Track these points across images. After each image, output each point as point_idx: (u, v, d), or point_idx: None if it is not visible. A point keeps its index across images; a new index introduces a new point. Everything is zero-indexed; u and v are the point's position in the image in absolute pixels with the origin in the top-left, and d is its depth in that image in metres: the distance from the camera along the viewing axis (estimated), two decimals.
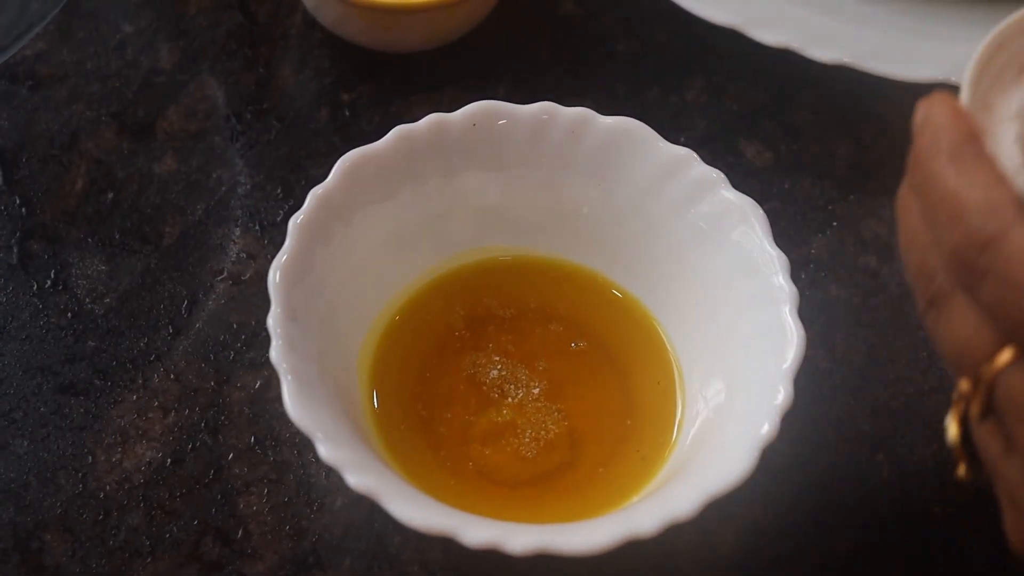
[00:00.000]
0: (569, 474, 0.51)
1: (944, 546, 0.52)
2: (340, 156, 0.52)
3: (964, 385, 0.39)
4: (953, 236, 0.37)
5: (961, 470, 0.40)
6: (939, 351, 0.40)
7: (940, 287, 0.39)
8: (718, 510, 0.46)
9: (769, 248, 0.51)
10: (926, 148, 0.39)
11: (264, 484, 0.53)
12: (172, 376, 0.55)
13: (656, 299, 0.54)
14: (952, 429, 0.40)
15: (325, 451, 0.45)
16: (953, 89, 0.59)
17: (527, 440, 0.52)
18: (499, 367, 0.53)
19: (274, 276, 0.49)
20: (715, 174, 0.52)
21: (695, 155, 0.52)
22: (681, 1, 0.60)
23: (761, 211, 0.51)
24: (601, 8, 0.65)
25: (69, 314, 0.57)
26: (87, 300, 0.57)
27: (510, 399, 0.52)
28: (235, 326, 0.56)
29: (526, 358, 0.53)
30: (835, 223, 0.59)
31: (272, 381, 0.54)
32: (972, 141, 0.38)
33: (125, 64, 0.63)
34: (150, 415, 0.54)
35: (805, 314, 0.49)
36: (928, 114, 0.40)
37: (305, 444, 0.53)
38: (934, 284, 0.39)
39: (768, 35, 0.60)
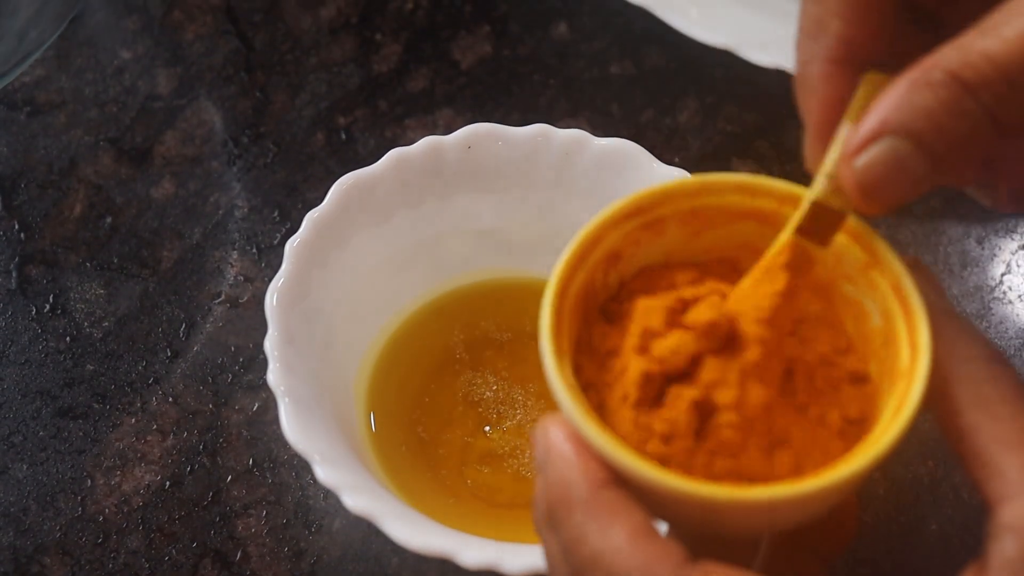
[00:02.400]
0: None
1: (939, 563, 0.52)
2: (336, 179, 0.52)
3: None
4: None
5: None
6: None
7: None
8: None
9: None
10: (558, 504, 0.35)
11: (262, 506, 0.53)
12: (170, 399, 0.55)
13: None
14: None
15: (322, 473, 0.45)
16: None
17: (525, 461, 0.52)
18: (496, 388, 0.53)
19: (271, 300, 0.49)
20: None
21: (689, 176, 0.53)
22: (675, 23, 0.61)
23: None
24: (595, 31, 0.65)
25: (68, 338, 0.57)
26: (86, 324, 0.57)
27: (507, 420, 0.52)
28: (233, 349, 0.56)
29: (522, 379, 0.54)
30: None
31: (270, 403, 0.55)
32: (604, 485, 0.35)
33: (123, 90, 0.63)
34: (149, 438, 0.54)
35: None
36: (549, 456, 0.36)
37: (303, 466, 0.53)
38: None
39: (761, 56, 0.60)
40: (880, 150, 0.35)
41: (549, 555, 0.37)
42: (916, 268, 0.37)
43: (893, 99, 0.34)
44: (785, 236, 0.37)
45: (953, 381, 0.35)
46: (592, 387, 0.37)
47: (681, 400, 0.35)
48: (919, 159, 0.35)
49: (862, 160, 0.35)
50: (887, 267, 0.37)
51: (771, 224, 0.38)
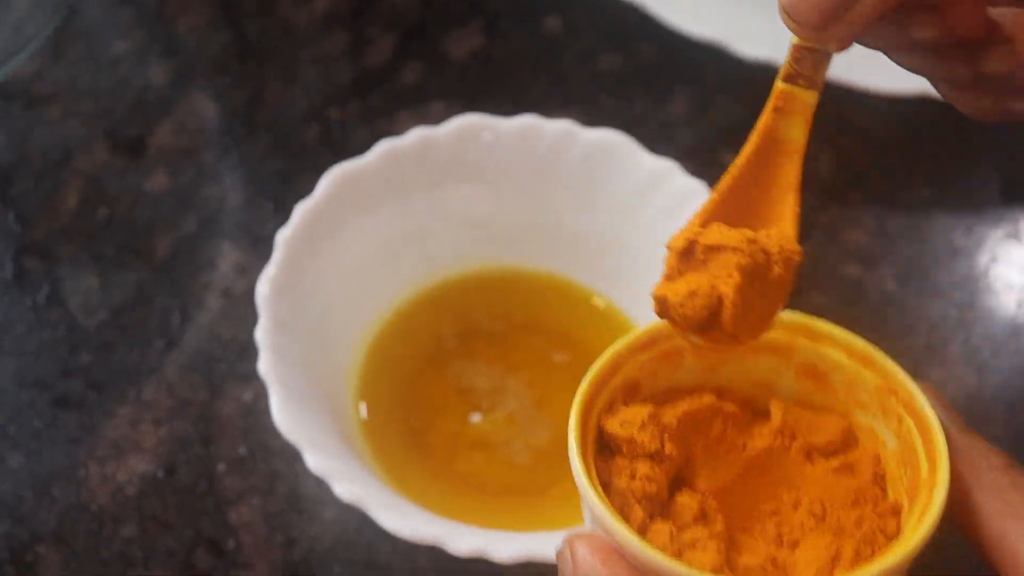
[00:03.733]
0: (558, 483, 0.52)
1: (936, 564, 0.53)
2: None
3: None
4: None
5: None
6: None
7: None
8: None
9: None
10: None
11: (255, 495, 0.53)
12: (165, 389, 0.56)
13: (640, 309, 0.54)
14: None
15: (313, 461, 0.46)
16: (929, 102, 0.60)
17: (516, 450, 0.52)
18: (486, 377, 0.54)
19: (262, 289, 0.49)
20: (698, 184, 0.53)
21: (678, 166, 0.53)
22: (664, 17, 0.61)
23: None
24: (586, 25, 0.66)
25: (63, 328, 0.57)
26: (81, 314, 0.57)
27: (498, 409, 0.53)
28: (226, 339, 0.57)
29: (513, 368, 0.54)
30: (817, 232, 0.60)
31: (263, 393, 0.55)
32: None
33: (117, 82, 0.64)
34: (143, 427, 0.55)
35: None
36: (577, 567, 0.36)
37: (296, 455, 0.53)
38: None
39: (750, 50, 0.60)
40: None
41: None
42: (926, 388, 0.38)
43: None
44: (777, 85, 0.38)
45: (975, 491, 0.36)
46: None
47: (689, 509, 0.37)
48: None
49: None
50: (900, 387, 0.38)
51: (785, 357, 0.39)
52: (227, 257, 0.59)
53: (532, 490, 0.52)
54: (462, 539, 0.45)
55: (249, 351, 0.56)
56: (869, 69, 0.60)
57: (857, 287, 0.59)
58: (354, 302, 0.53)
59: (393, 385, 0.53)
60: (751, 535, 0.38)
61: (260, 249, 0.59)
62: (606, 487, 0.37)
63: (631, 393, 0.39)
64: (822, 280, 0.59)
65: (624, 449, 0.37)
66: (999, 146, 0.63)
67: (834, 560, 0.37)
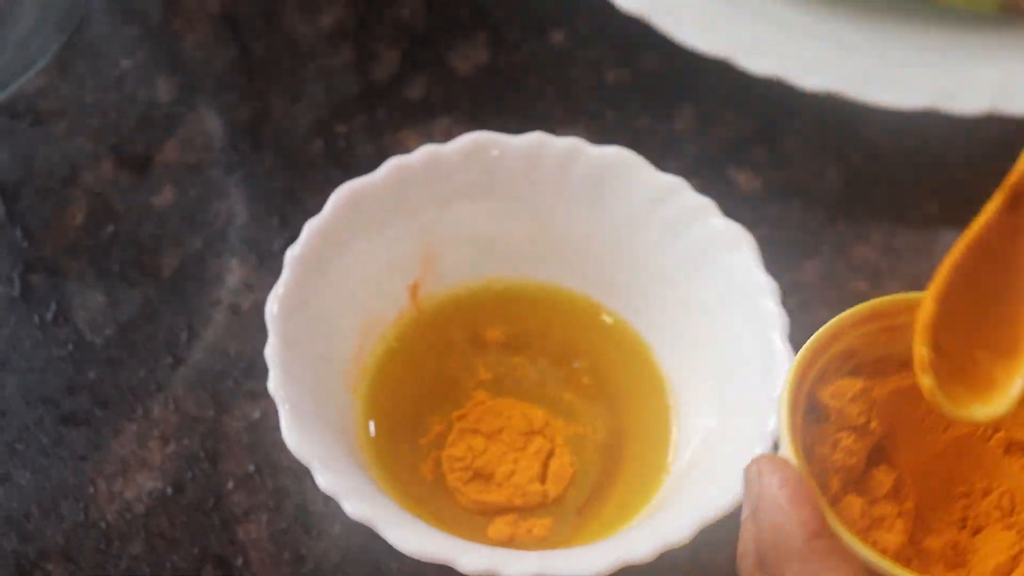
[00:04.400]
0: (566, 500, 0.52)
1: None
2: (335, 187, 0.52)
3: None
4: None
5: None
6: None
7: None
8: (711, 534, 0.46)
9: (759, 274, 0.51)
10: (772, 551, 0.36)
11: (263, 512, 0.53)
12: (172, 406, 0.56)
13: (648, 325, 0.54)
14: None
15: (323, 480, 0.46)
16: (937, 116, 0.60)
17: (523, 467, 0.52)
18: (494, 399, 0.53)
19: (272, 308, 0.49)
20: (705, 201, 0.53)
21: (685, 183, 0.53)
22: (670, 31, 0.61)
23: (751, 237, 0.52)
24: (591, 38, 0.66)
25: (70, 345, 0.57)
26: (87, 331, 0.57)
27: (505, 431, 0.53)
28: (234, 356, 0.57)
29: (521, 385, 0.54)
30: (825, 248, 0.60)
31: (271, 410, 0.55)
32: (819, 535, 0.36)
33: (123, 98, 0.64)
34: (150, 444, 0.55)
35: (796, 338, 0.49)
36: (761, 502, 0.37)
37: (303, 472, 0.53)
38: None
39: (756, 64, 0.60)
40: None
41: None
42: None
43: None
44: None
45: None
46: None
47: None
48: None
49: None
50: None
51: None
52: (234, 273, 0.59)
53: (541, 508, 0.52)
54: (471, 557, 0.45)
55: (257, 368, 0.56)
56: (877, 83, 0.60)
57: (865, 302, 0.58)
58: (362, 318, 0.53)
59: (401, 402, 0.53)
60: (938, 515, 0.38)
61: (267, 265, 0.59)
62: (807, 452, 0.38)
63: (845, 359, 0.40)
64: (830, 296, 0.59)
65: (832, 418, 0.38)
66: (1008, 161, 0.62)
67: (1015, 559, 0.37)
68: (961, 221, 0.61)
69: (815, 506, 0.36)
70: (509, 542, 0.50)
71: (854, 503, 0.37)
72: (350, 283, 0.52)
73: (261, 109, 0.63)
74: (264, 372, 0.49)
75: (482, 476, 0.51)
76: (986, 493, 0.38)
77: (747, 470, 0.38)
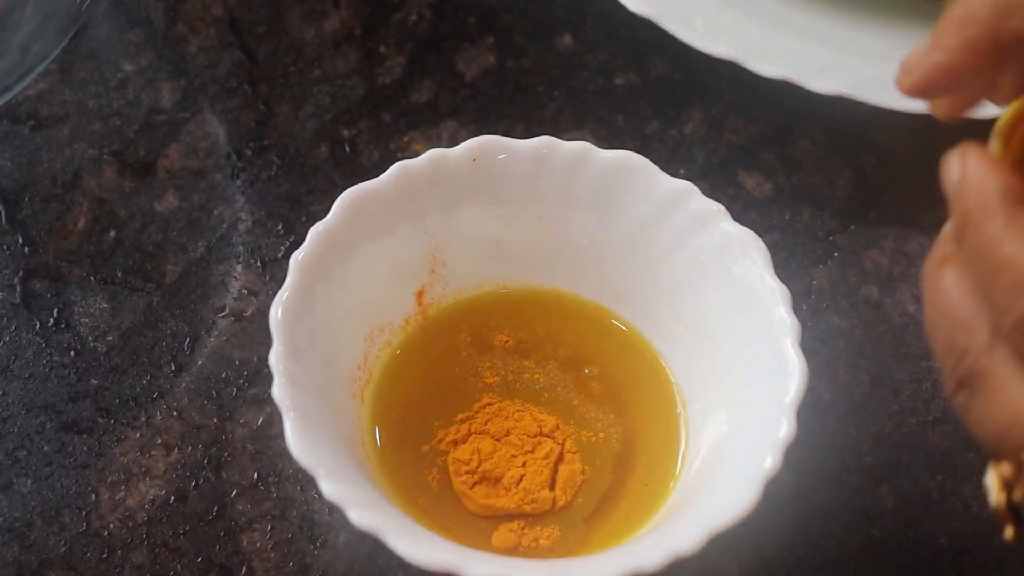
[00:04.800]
0: (573, 508, 0.51)
1: None
2: (340, 192, 0.52)
3: (1007, 469, 0.37)
4: (1019, 305, 0.36)
5: (1008, 532, 0.39)
6: (974, 431, 0.38)
7: (976, 365, 0.37)
8: (721, 541, 0.46)
9: (770, 280, 0.51)
10: (975, 212, 0.37)
11: (267, 521, 0.53)
12: (175, 413, 0.55)
13: (658, 331, 0.54)
14: (995, 496, 0.38)
15: (327, 488, 0.45)
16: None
17: (532, 472, 0.52)
18: (502, 401, 0.53)
19: (276, 314, 0.49)
20: (715, 207, 0.52)
21: (695, 188, 0.53)
22: (679, 34, 0.61)
23: (762, 243, 0.51)
24: (599, 42, 0.65)
25: (72, 352, 0.57)
26: (90, 338, 0.57)
27: (514, 433, 0.52)
28: (237, 363, 0.56)
29: (529, 392, 0.54)
30: (836, 254, 0.59)
31: (274, 417, 0.55)
32: (1021, 199, 0.37)
33: (126, 103, 0.63)
34: (153, 453, 0.54)
35: (807, 345, 0.49)
36: (966, 173, 0.38)
37: (308, 480, 0.53)
38: (967, 361, 0.38)
39: (766, 67, 0.60)
40: None
41: (931, 282, 0.39)
42: None
43: None
44: None
45: None
46: None
47: None
48: None
49: None
50: None
51: None
52: (238, 279, 0.59)
53: (550, 515, 0.51)
54: (479, 566, 0.45)
55: (260, 375, 0.56)
56: (888, 86, 0.60)
57: (876, 308, 0.58)
58: (368, 324, 0.53)
59: (407, 409, 0.53)
60: None
61: (270, 271, 0.59)
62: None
63: None
64: (841, 301, 0.58)
65: None
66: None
67: None
68: None
69: (1018, 179, 0.37)
70: (514, 550, 0.50)
71: None
72: (356, 289, 0.52)
73: (265, 114, 0.63)
74: (268, 379, 0.48)
75: (489, 479, 0.51)
76: None
77: (947, 158, 0.39)
